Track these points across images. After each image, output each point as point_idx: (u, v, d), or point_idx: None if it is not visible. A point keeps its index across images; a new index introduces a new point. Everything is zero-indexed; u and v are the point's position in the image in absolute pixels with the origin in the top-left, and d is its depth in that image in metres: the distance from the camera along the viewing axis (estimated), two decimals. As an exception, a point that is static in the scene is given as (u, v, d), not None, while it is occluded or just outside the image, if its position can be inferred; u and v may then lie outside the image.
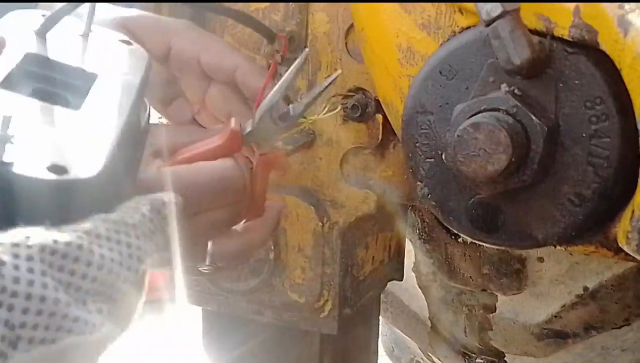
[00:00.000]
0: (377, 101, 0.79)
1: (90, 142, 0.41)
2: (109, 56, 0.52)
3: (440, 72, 0.64)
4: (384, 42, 0.68)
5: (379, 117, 0.80)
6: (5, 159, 0.36)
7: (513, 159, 0.56)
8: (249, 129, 0.61)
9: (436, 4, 0.65)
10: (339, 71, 0.62)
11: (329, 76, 0.65)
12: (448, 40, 0.65)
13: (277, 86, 0.62)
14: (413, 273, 1.34)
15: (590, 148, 0.58)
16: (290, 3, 0.80)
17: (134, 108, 0.47)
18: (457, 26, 0.65)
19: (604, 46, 0.54)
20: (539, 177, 0.59)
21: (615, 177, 0.58)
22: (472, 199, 0.64)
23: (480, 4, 0.56)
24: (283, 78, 0.62)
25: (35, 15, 0.51)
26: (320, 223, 0.84)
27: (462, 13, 0.64)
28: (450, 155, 0.60)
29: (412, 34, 0.67)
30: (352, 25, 0.79)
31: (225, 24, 0.85)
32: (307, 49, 0.56)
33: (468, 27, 0.64)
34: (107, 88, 0.47)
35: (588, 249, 0.65)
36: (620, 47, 0.51)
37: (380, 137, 0.81)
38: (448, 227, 0.68)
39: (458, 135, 0.58)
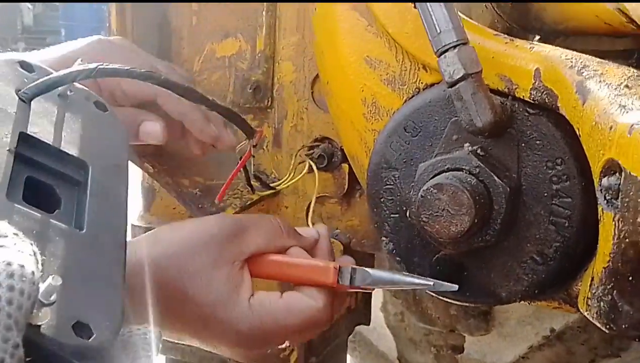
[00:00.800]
0: (343, 151, 0.79)
1: (103, 284, 0.42)
2: (91, 131, 0.51)
3: (405, 129, 0.64)
4: (349, 96, 0.69)
5: (345, 166, 0.80)
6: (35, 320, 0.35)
7: (476, 220, 0.57)
8: (347, 283, 0.63)
9: (400, 60, 0.65)
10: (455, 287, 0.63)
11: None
12: (412, 96, 0.65)
13: (390, 276, 0.64)
14: (381, 313, 1.34)
15: (552, 207, 0.59)
16: (257, 53, 0.80)
17: (126, 215, 0.47)
18: (422, 83, 0.65)
19: (563, 111, 0.55)
20: (502, 236, 0.60)
21: (577, 236, 0.59)
22: (437, 256, 0.64)
23: (443, 65, 0.57)
24: (401, 278, 0.63)
25: (12, 66, 0.50)
26: (286, 272, 0.83)
27: (426, 70, 0.65)
28: (414, 213, 0.60)
29: (377, 89, 0.67)
30: (317, 75, 0.80)
31: (192, 71, 0.85)
32: None
33: (432, 84, 0.65)
34: (101, 188, 0.47)
35: (551, 305, 0.65)
36: (579, 113, 0.52)
37: (346, 186, 0.81)
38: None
39: (422, 196, 0.58)
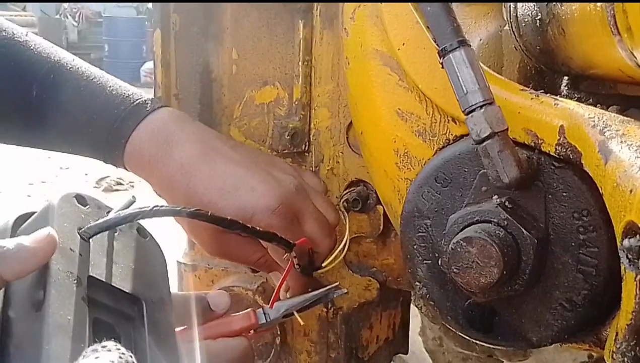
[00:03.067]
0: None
1: None
2: (137, 262, 0.56)
3: (436, 180, 0.67)
4: (382, 146, 0.72)
5: (380, 208, 0.83)
6: None
7: (505, 272, 0.59)
8: (262, 321, 0.70)
9: (430, 113, 0.68)
10: (345, 290, 0.75)
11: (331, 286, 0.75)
12: (443, 148, 0.68)
13: (301, 299, 0.73)
14: (420, 337, 1.36)
15: (579, 257, 0.61)
16: (294, 100, 0.84)
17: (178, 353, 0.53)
18: (451, 134, 0.68)
19: (587, 168, 0.57)
20: (530, 284, 0.62)
21: (604, 284, 0.61)
22: (468, 301, 0.67)
23: (470, 124, 0.60)
24: (310, 295, 0.73)
25: (71, 202, 0.54)
26: (325, 309, 0.87)
27: (455, 122, 0.67)
28: (445, 264, 0.62)
29: (408, 140, 0.70)
30: (352, 122, 0.83)
31: (232, 117, 0.89)
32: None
33: (461, 136, 0.67)
34: (154, 326, 0.52)
35: (582, 347, 0.67)
36: (601, 173, 0.54)
37: (381, 227, 0.84)
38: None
39: (452, 248, 0.61)
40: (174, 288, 0.98)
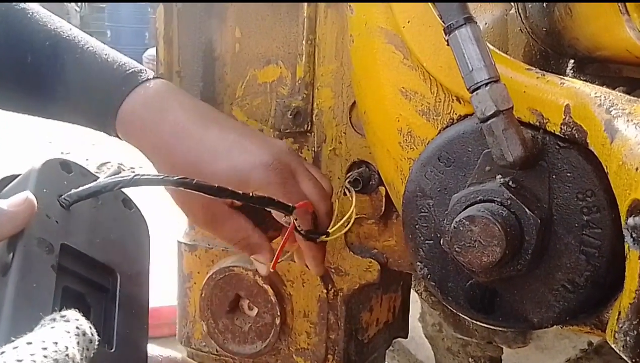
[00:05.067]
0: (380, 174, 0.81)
1: None
2: (118, 233, 0.55)
3: (439, 159, 0.67)
4: (385, 125, 0.71)
5: (382, 189, 0.82)
6: None
7: (507, 251, 0.59)
8: None
9: (435, 92, 0.68)
10: None
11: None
12: (446, 127, 0.67)
13: None
14: (419, 323, 1.36)
15: (583, 238, 0.61)
16: (297, 79, 0.83)
17: (147, 329, 0.52)
18: (455, 114, 0.67)
19: (592, 147, 0.56)
20: (533, 265, 0.61)
21: (607, 266, 0.60)
22: (470, 281, 0.66)
23: (475, 102, 0.59)
24: None
25: (55, 168, 0.53)
26: (325, 290, 0.87)
27: (460, 102, 0.67)
28: (447, 243, 0.62)
29: (412, 119, 0.69)
30: (355, 102, 0.82)
31: (234, 97, 0.88)
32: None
33: (466, 115, 0.67)
34: (127, 299, 0.51)
35: (584, 329, 0.67)
36: (607, 151, 0.53)
37: (383, 208, 0.83)
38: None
39: (454, 227, 0.60)
40: (174, 268, 0.98)
